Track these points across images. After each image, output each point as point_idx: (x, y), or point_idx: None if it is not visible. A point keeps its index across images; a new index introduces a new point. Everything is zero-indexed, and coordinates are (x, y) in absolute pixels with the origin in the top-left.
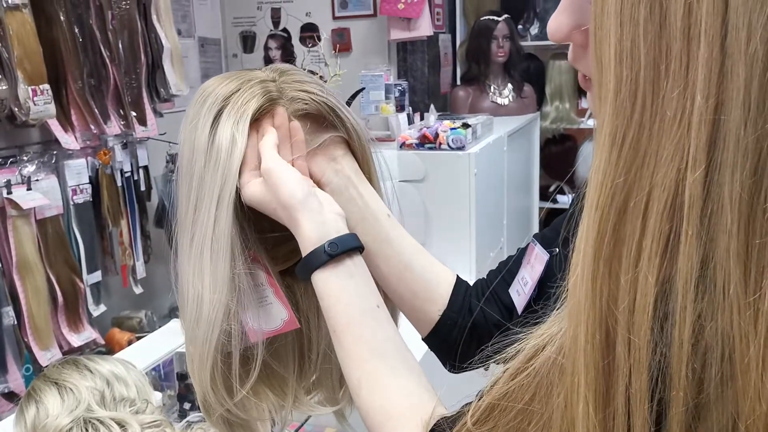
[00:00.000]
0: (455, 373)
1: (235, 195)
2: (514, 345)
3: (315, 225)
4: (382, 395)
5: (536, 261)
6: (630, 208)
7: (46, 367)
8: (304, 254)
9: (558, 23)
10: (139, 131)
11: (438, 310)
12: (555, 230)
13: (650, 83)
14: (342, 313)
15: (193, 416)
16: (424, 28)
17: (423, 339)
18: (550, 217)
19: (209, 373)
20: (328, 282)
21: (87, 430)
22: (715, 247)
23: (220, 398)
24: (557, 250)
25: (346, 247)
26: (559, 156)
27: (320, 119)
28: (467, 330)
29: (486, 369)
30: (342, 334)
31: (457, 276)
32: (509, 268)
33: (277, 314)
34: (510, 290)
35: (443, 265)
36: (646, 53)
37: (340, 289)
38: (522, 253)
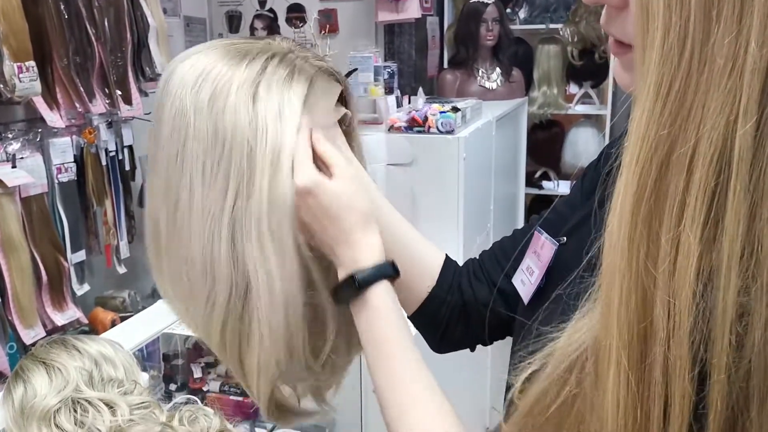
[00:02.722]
0: (440, 352)
1: (291, 166)
2: (542, 343)
3: (350, 256)
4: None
5: (543, 250)
6: (673, 162)
7: (34, 346)
8: (339, 279)
9: None
10: (125, 110)
11: (427, 287)
12: (557, 213)
13: (700, 29)
14: (377, 346)
15: (180, 397)
16: (412, 10)
17: (409, 317)
18: (534, 204)
19: (300, 345)
20: (361, 315)
21: (75, 410)
22: (763, 204)
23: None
24: (565, 239)
25: (380, 278)
26: (545, 142)
27: None
28: (456, 309)
29: (472, 350)
30: (377, 368)
31: (446, 255)
32: (504, 250)
33: None
34: (513, 280)
35: (431, 243)
36: None
37: (374, 322)
38: (519, 234)
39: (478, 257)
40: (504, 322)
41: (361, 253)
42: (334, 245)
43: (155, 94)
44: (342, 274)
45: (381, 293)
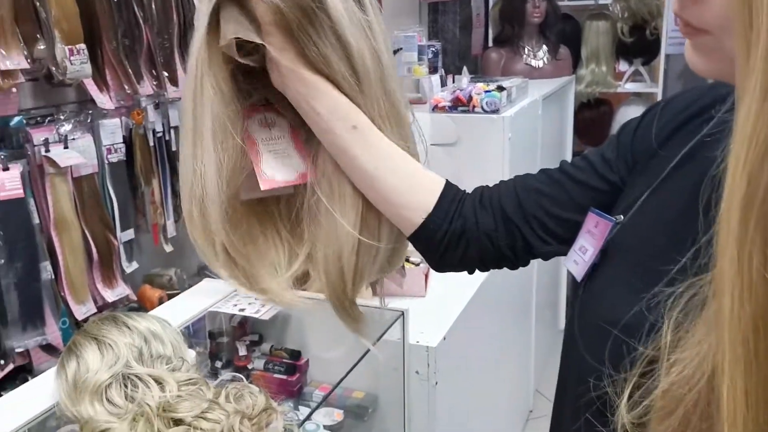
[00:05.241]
0: (439, 272)
1: (209, 55)
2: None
3: None
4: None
5: (598, 228)
6: None
7: (86, 322)
8: None
9: None
10: (171, 91)
11: (420, 216)
12: (588, 162)
13: None
14: None
15: (226, 375)
16: None
17: (408, 238)
18: None
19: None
20: None
21: (126, 385)
22: None
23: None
24: (622, 217)
25: None
26: (593, 121)
27: None
28: (455, 235)
29: (470, 273)
30: None
31: (447, 181)
32: (526, 184)
33: (295, 166)
34: (565, 262)
35: (429, 172)
36: None
37: None
38: (541, 174)
39: (493, 185)
40: (503, 254)
41: None
42: None
43: None
44: None
45: None
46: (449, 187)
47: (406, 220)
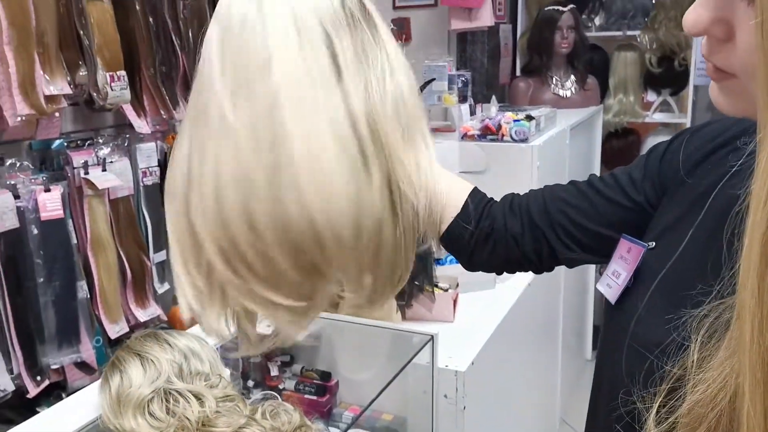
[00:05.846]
0: (470, 270)
1: None
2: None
3: None
4: None
5: (630, 253)
6: None
7: (118, 340)
8: None
9: (697, 16)
10: None
11: (449, 215)
12: (615, 179)
13: None
14: None
15: (259, 393)
16: (485, 18)
17: (440, 239)
18: None
19: None
20: None
21: (167, 400)
22: None
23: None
24: (654, 243)
25: None
26: (621, 150)
27: None
28: (482, 234)
29: (499, 274)
30: None
31: (475, 188)
32: (554, 193)
33: None
34: (598, 286)
35: (460, 179)
36: None
37: None
38: (571, 186)
39: (523, 194)
40: (528, 258)
41: None
42: None
43: None
44: None
45: None
46: (477, 190)
47: (435, 220)
